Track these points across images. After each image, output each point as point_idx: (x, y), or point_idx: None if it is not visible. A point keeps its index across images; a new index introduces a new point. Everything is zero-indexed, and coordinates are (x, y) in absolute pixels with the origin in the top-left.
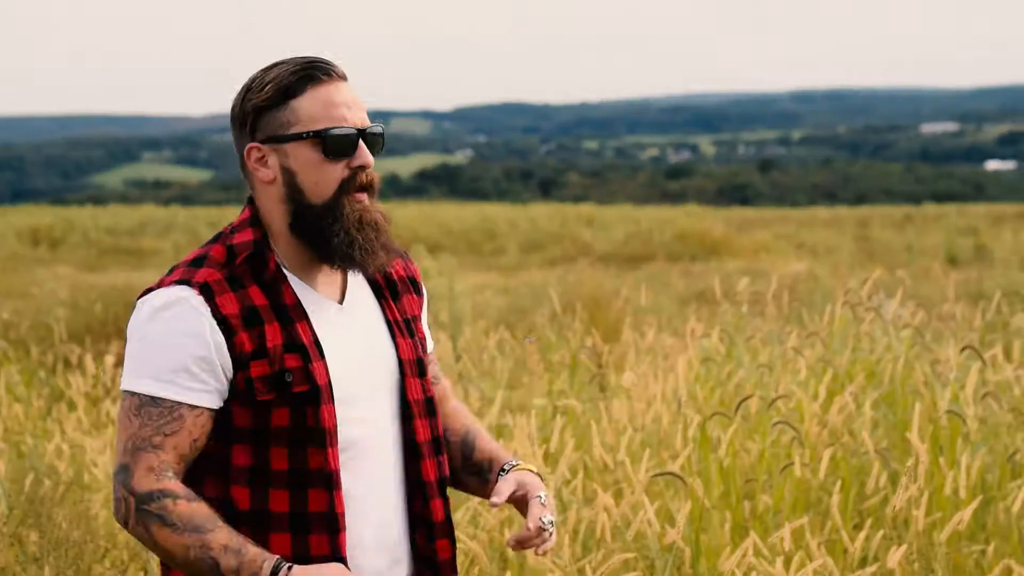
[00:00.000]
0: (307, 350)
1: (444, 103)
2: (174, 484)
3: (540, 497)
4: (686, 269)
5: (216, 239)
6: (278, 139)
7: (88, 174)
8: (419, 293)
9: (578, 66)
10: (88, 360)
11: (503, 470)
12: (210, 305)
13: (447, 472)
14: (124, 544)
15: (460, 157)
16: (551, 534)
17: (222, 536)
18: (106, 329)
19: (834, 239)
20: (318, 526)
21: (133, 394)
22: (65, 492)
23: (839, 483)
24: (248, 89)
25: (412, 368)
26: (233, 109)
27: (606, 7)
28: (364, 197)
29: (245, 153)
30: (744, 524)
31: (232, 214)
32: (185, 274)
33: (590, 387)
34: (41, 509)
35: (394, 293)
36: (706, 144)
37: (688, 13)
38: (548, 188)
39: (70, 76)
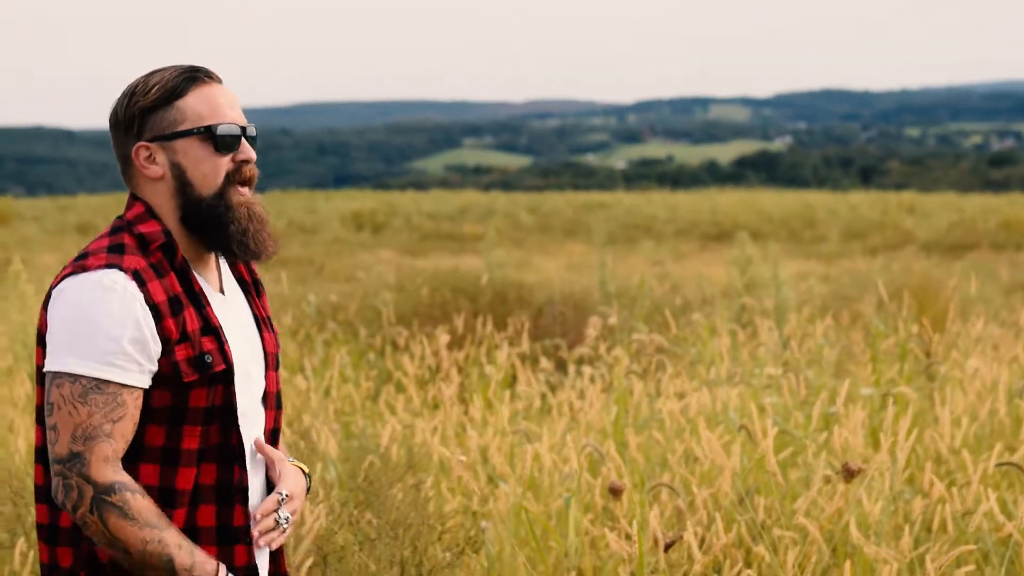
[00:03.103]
0: (219, 332)
1: (763, 89)
2: (128, 477)
3: (281, 494)
4: (1011, 259)
5: (117, 230)
6: (167, 136)
7: (409, 159)
8: (264, 294)
9: (899, 52)
10: (416, 343)
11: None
12: (143, 292)
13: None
14: (459, 526)
15: (779, 144)
16: (283, 531)
17: (175, 534)
18: (433, 313)
19: None
20: (228, 498)
21: (76, 378)
22: (404, 473)
23: None
24: (131, 95)
25: (273, 361)
26: (115, 116)
27: None
28: (247, 191)
29: (133, 152)
30: None
31: (550, 199)
32: (112, 259)
33: (918, 376)
34: (378, 490)
35: (258, 291)
36: None
37: None
38: (868, 176)
39: (393, 63)
